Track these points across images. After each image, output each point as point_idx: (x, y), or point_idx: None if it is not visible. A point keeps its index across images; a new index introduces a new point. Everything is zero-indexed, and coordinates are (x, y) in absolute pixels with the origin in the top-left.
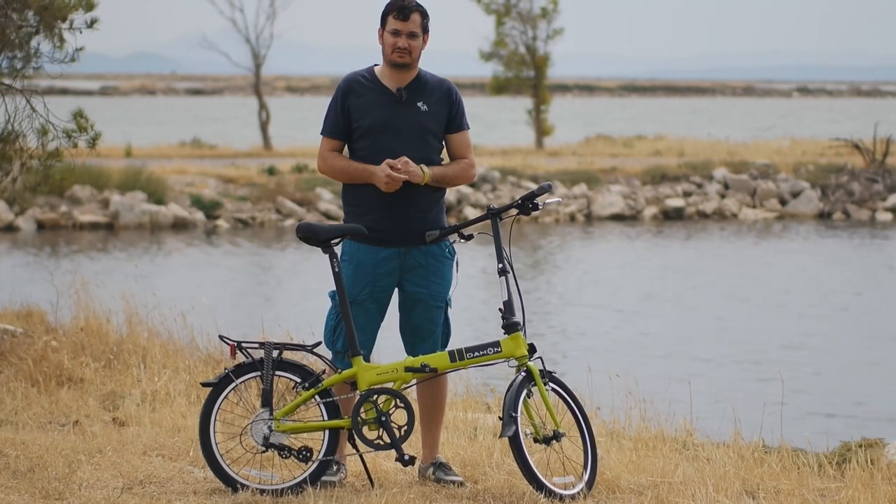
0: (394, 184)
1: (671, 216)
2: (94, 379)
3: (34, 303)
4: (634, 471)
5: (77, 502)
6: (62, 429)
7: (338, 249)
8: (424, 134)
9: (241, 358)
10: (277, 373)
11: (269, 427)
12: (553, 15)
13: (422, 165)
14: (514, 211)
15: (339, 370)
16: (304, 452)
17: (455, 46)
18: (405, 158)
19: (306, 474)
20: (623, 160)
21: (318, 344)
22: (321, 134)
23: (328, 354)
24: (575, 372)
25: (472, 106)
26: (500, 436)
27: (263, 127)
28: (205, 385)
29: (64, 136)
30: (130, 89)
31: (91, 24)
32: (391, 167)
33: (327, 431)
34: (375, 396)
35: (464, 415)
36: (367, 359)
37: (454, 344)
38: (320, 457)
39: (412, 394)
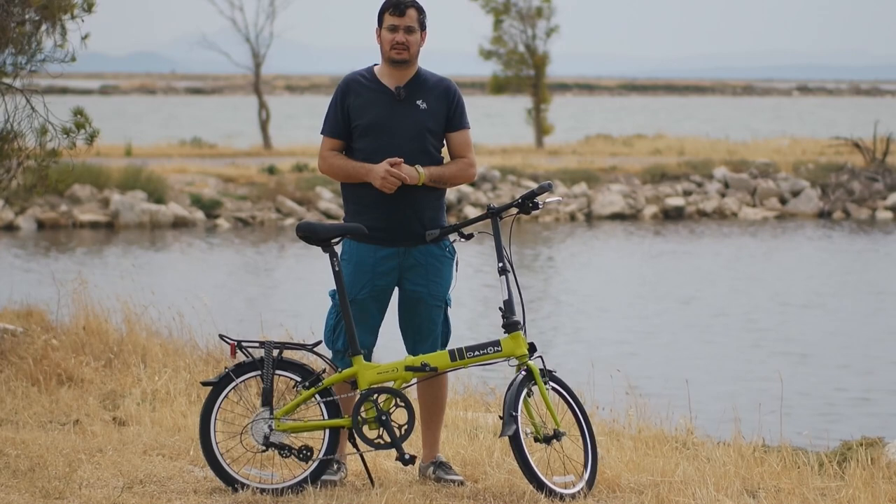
0: (390, 184)
1: (671, 215)
2: (95, 378)
3: (34, 302)
4: (635, 470)
5: (77, 501)
6: (62, 428)
7: (338, 248)
8: (423, 132)
9: (241, 357)
10: (278, 372)
11: (270, 426)
12: (549, 13)
13: (416, 166)
14: (514, 210)
15: (340, 369)
16: (304, 451)
17: (455, 46)
18: (398, 159)
19: (306, 473)
20: (623, 159)
21: (319, 343)
22: (321, 133)
23: (328, 353)
24: (575, 371)
25: (472, 105)
26: (501, 435)
27: (263, 126)
28: (205, 384)
29: (62, 135)
30: (130, 89)
31: (89, 7)
32: (392, 164)
33: (327, 430)
34: (376, 395)
35: (464, 414)
36: (368, 358)
37: (454, 343)
38: (320, 456)
39: (412, 393)
